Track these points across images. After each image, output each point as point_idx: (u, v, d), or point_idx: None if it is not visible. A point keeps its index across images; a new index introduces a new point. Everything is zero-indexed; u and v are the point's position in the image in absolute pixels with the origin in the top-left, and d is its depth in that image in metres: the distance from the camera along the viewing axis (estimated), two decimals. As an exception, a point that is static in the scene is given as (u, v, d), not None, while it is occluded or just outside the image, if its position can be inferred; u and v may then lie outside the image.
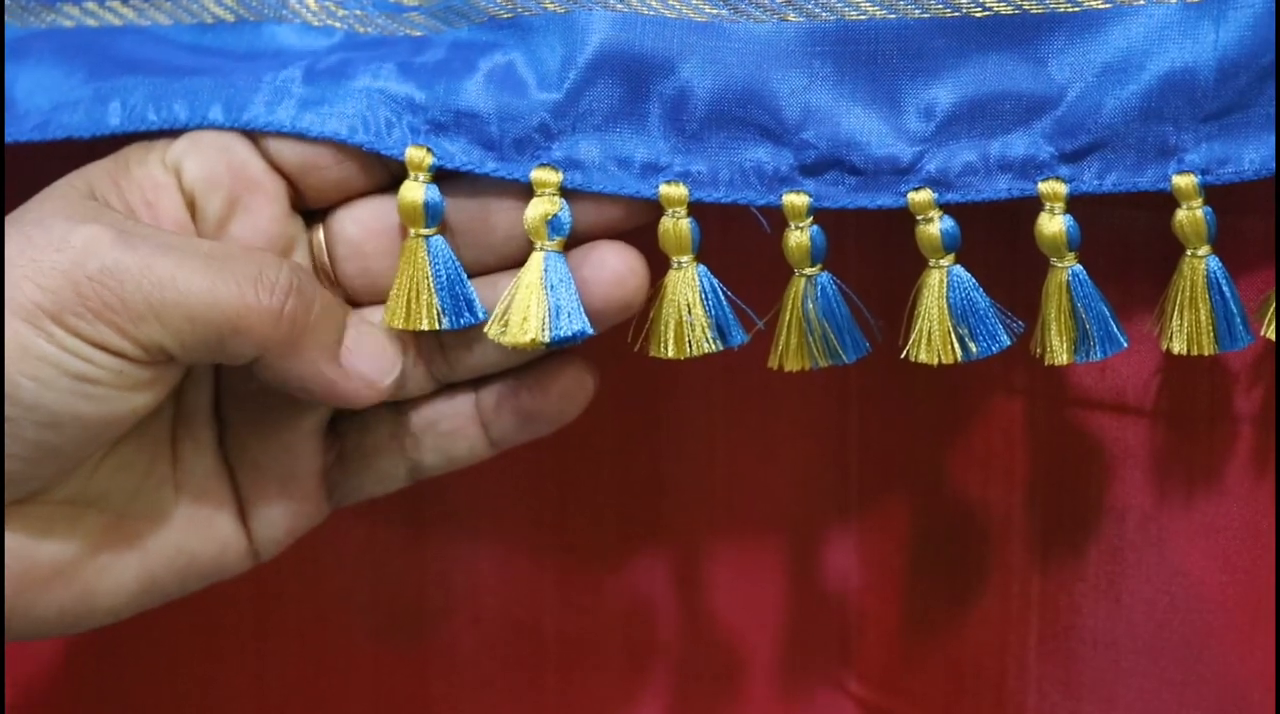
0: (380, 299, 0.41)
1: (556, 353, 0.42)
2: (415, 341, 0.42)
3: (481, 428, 0.43)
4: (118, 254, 0.37)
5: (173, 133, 0.41)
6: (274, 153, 0.41)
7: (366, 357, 0.40)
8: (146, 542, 0.40)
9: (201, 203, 0.40)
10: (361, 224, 0.41)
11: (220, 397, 0.42)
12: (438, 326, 0.40)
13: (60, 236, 0.37)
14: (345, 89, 0.40)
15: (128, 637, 0.49)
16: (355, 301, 0.42)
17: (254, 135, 0.40)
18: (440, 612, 0.50)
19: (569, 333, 0.39)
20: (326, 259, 0.42)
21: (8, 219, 0.38)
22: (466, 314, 0.40)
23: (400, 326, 0.40)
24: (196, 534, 0.41)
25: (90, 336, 0.36)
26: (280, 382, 0.39)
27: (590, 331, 0.39)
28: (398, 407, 0.43)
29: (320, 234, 0.42)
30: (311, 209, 0.42)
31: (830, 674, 0.48)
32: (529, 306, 0.39)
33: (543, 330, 0.39)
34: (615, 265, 0.39)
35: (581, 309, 0.39)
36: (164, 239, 0.38)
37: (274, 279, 0.38)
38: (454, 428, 0.43)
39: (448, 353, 0.42)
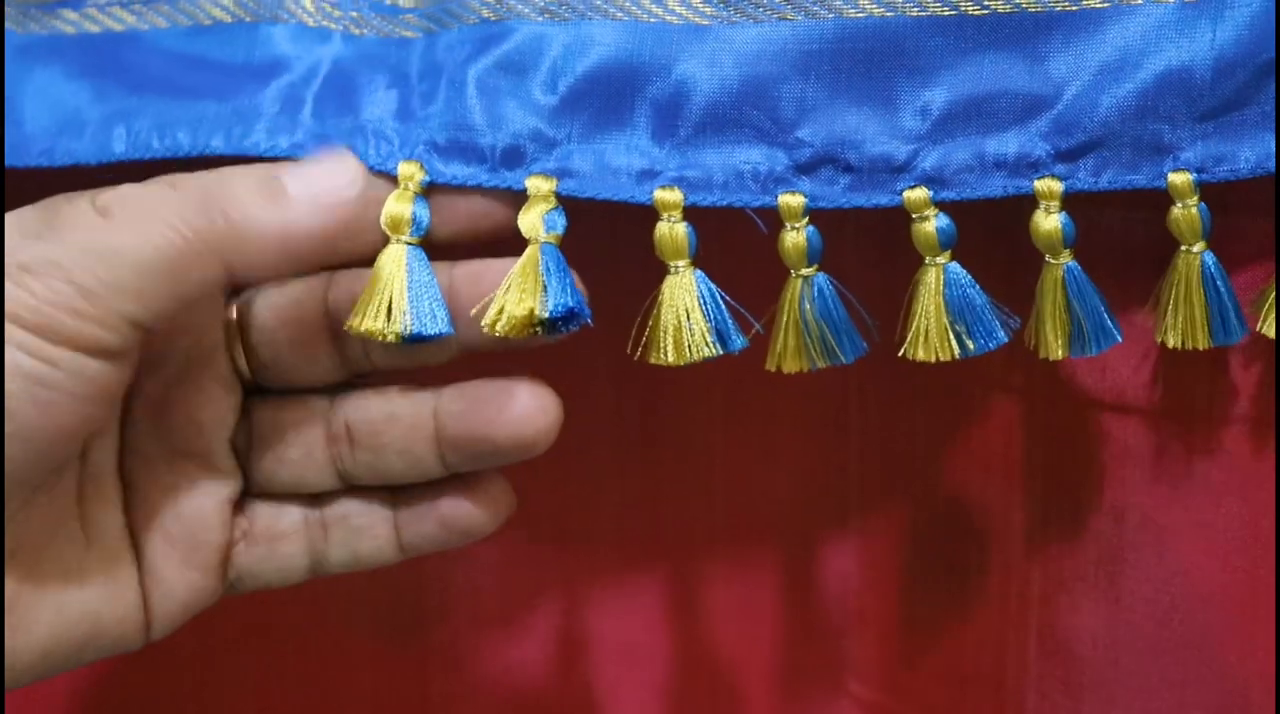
0: (291, 388, 0.41)
1: (474, 471, 0.41)
2: (325, 436, 0.41)
3: (394, 530, 0.42)
4: (42, 246, 0.35)
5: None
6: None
7: (314, 168, 0.38)
8: (60, 599, 0.38)
9: None
10: (277, 312, 0.41)
11: (125, 457, 0.41)
12: (406, 332, 0.39)
13: None
14: (346, 125, 0.40)
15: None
16: (267, 387, 0.42)
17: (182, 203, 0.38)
18: (440, 612, 0.50)
19: (564, 307, 0.38)
20: (239, 342, 0.41)
21: None
22: (434, 324, 0.39)
23: (366, 332, 0.39)
24: (105, 598, 0.39)
25: (45, 329, 0.35)
26: (266, 260, 0.37)
27: (586, 317, 0.39)
28: (312, 496, 0.42)
29: (234, 314, 0.41)
30: (237, 286, 0.41)
31: (830, 674, 0.48)
32: (525, 289, 0.39)
33: (542, 307, 0.39)
34: (525, 402, 0.39)
35: (577, 291, 0.39)
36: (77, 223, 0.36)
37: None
38: (365, 525, 0.42)
39: (356, 449, 0.41)
